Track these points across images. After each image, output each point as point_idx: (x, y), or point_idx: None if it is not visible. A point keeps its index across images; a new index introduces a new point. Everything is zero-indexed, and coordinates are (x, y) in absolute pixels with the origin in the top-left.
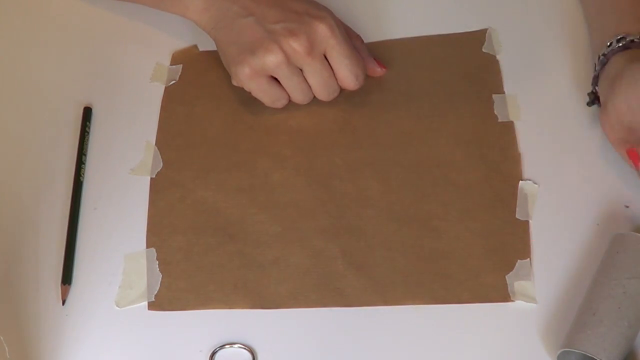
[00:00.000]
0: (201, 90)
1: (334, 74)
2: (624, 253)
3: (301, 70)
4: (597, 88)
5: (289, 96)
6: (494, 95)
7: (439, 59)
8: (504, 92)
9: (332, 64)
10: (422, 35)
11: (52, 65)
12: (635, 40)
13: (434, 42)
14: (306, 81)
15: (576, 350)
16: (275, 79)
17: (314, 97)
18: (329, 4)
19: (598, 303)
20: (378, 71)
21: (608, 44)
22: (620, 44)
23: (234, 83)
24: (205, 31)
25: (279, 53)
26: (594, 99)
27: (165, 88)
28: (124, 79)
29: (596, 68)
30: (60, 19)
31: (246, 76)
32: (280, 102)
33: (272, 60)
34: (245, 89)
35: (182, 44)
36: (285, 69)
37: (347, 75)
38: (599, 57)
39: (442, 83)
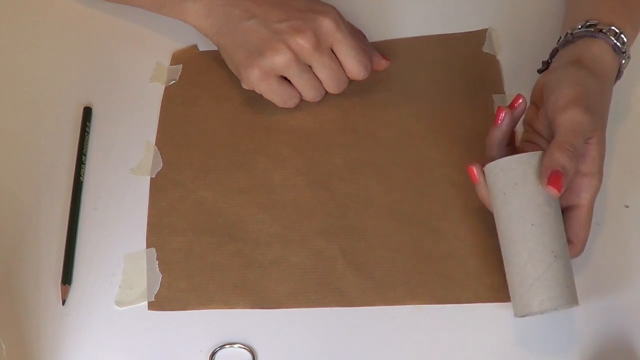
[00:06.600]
0: (201, 90)
1: (342, 67)
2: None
3: (310, 67)
4: (552, 60)
5: (300, 95)
6: (494, 95)
7: (439, 58)
8: (504, 92)
9: (339, 57)
10: (422, 35)
11: (52, 66)
12: (604, 30)
13: (434, 42)
14: (316, 77)
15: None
16: (286, 78)
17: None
18: (329, 3)
19: (514, 254)
20: (383, 63)
21: (579, 26)
22: (591, 29)
23: (244, 87)
24: (207, 37)
25: (287, 52)
26: (546, 67)
27: (165, 88)
28: (124, 79)
29: (559, 42)
30: (60, 20)
31: (256, 78)
32: (293, 102)
33: (281, 59)
34: (257, 91)
35: (182, 44)
36: (295, 67)
37: (356, 66)
38: (566, 34)
39: (442, 83)
